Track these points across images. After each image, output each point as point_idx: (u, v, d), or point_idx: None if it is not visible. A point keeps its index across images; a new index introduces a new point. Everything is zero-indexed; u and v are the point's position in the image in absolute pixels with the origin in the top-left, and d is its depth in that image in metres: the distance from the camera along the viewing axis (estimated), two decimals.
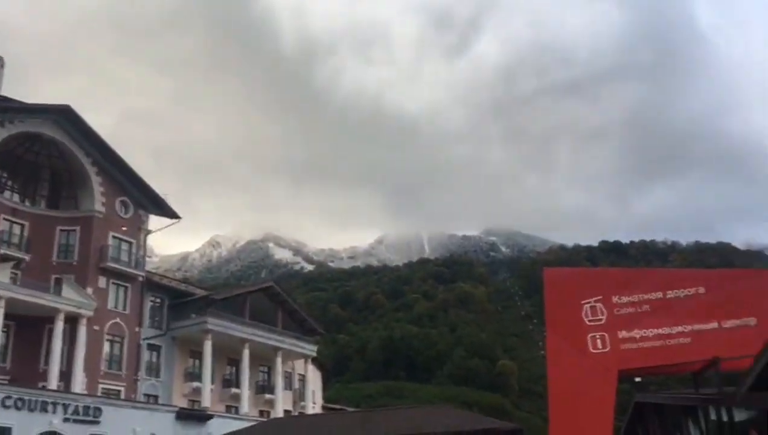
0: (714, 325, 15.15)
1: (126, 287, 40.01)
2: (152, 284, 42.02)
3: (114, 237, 40.24)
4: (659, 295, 15.77)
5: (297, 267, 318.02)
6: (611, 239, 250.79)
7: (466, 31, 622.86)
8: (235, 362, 45.18)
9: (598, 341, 15.77)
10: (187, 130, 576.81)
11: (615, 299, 15.97)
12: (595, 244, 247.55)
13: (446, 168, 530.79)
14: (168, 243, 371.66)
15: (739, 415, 15.80)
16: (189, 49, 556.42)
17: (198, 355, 42.56)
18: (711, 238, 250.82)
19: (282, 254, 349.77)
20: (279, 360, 46.58)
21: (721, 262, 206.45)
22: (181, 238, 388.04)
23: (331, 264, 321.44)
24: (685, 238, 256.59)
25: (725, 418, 16.11)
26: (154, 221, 43.45)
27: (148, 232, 42.85)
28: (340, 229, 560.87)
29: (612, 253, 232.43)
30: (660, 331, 15.43)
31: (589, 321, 15.94)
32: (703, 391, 16.75)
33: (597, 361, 15.58)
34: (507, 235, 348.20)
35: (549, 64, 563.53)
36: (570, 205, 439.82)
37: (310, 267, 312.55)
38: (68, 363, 35.83)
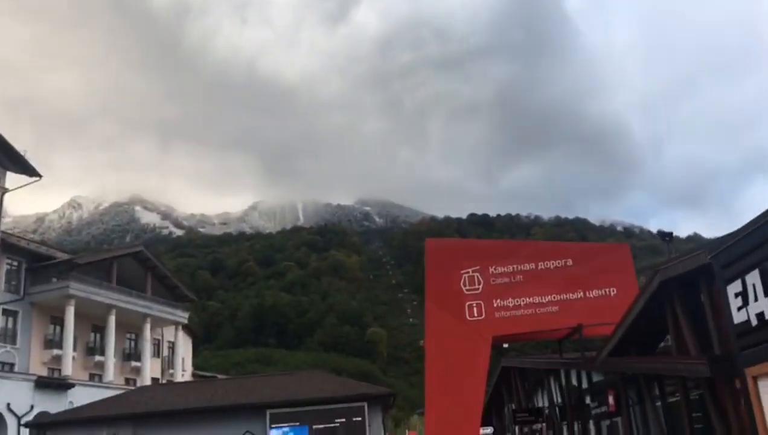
0: (579, 294, 16.33)
1: None
2: (8, 246, 39.04)
3: None
4: (532, 265, 16.76)
5: (165, 232, 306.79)
6: (479, 212, 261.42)
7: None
8: (100, 329, 43.20)
9: (475, 309, 16.57)
10: (46, 82, 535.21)
11: (492, 269, 16.81)
12: (464, 216, 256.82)
13: (322, 136, 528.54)
14: (22, 202, 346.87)
15: (597, 377, 17.17)
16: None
17: (59, 321, 40.28)
18: (569, 214, 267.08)
19: (149, 218, 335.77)
20: (147, 327, 45.04)
21: (577, 236, 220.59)
22: (37, 198, 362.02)
23: (201, 230, 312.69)
24: (546, 213, 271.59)
25: (585, 380, 17.45)
26: (11, 179, 40.22)
27: (5, 190, 39.63)
28: (212, 194, 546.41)
29: (480, 225, 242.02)
30: (531, 299, 16.44)
31: (467, 290, 16.68)
32: (567, 356, 18.01)
33: (473, 329, 16.36)
34: (381, 205, 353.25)
35: (425, 38, 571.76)
36: (441, 178, 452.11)
37: (179, 232, 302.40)
38: None
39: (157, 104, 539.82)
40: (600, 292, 16.22)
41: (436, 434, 16.09)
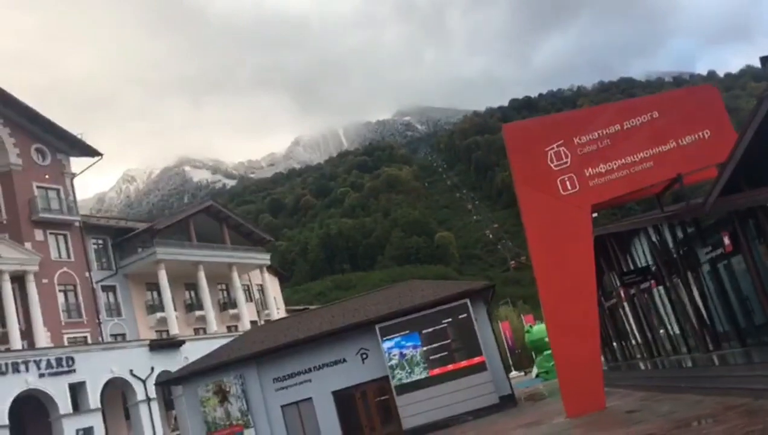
0: (672, 144, 15.99)
1: (65, 235, 38.57)
2: (91, 227, 40.64)
3: (39, 187, 38.29)
4: (617, 127, 16.42)
5: (219, 185, 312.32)
6: (519, 96, 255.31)
7: None
8: (193, 286, 45.00)
9: (568, 183, 16.43)
10: (66, 65, 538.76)
11: (576, 140, 16.55)
12: (506, 104, 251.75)
13: (345, 57, 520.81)
14: (79, 186, 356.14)
15: (706, 224, 17.02)
16: None
17: (154, 286, 42.10)
18: (612, 77, 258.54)
19: (200, 175, 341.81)
20: (235, 275, 46.62)
21: (625, 97, 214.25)
22: (90, 181, 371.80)
23: (252, 175, 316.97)
24: (588, 81, 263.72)
25: (692, 230, 17.33)
26: (76, 163, 41.46)
27: (73, 175, 40.90)
28: (254, 139, 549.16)
29: (523, 109, 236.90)
30: (623, 160, 16.19)
31: (555, 166, 16.52)
32: (668, 210, 17.83)
33: (569, 202, 16.29)
34: (420, 112, 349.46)
35: None
36: (471, 71, 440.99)
37: (231, 182, 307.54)
38: (26, 321, 34.88)
39: (177, 64, 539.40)
40: (693, 138, 15.81)
41: (553, 309, 16.36)
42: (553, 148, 16.57)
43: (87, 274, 39.05)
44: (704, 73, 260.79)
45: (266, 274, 50.58)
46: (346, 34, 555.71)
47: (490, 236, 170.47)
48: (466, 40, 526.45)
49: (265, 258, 49.76)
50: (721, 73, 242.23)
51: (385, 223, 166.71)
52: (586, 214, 16.25)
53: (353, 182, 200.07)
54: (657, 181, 16.22)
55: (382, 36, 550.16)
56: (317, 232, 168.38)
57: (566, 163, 16.42)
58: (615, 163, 16.20)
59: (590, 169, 16.28)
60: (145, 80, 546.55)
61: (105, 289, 40.13)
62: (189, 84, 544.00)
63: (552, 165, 16.50)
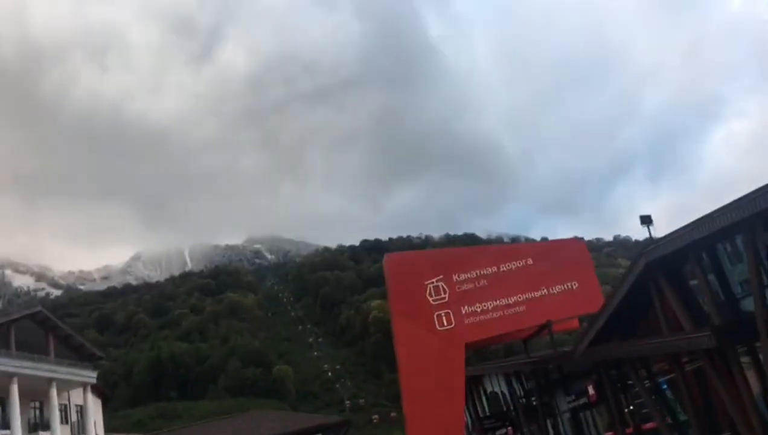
0: (544, 291, 16.68)
1: None
2: None
3: None
4: (494, 269, 16.95)
5: (42, 293, 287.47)
6: (370, 238, 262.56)
7: (209, 39, 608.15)
8: (1, 401, 39.57)
9: (444, 319, 16.54)
10: None
11: (455, 277, 16.86)
12: (356, 243, 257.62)
13: (200, 178, 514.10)
14: None
15: (569, 371, 17.48)
16: None
17: None
18: (458, 230, 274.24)
19: (22, 281, 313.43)
20: (54, 392, 41.66)
21: None
22: None
23: (81, 287, 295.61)
24: (435, 232, 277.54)
25: (555, 377, 17.71)
26: None
27: None
28: (89, 249, 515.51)
29: (373, 251, 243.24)
30: (498, 302, 16.61)
31: (434, 300, 16.64)
32: (534, 356, 18.25)
33: (445, 338, 16.29)
34: (271, 241, 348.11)
35: (295, 73, 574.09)
36: (326, 208, 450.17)
37: (57, 292, 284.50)
38: None
39: (15, 160, 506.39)
40: (563, 287, 16.62)
41: None
42: (432, 283, 16.74)
43: None
44: (538, 238, 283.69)
45: (89, 395, 45.69)
46: (202, 155, 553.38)
47: (329, 374, 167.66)
48: (323, 177, 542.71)
49: (91, 376, 45.15)
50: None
51: (222, 351, 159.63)
52: (460, 351, 16.27)
53: (194, 305, 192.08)
54: (528, 325, 16.72)
55: (240, 162, 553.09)
56: (146, 354, 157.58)
57: (444, 298, 16.60)
58: (490, 304, 16.57)
59: (466, 307, 16.53)
60: None
61: None
62: (25, 182, 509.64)
63: (431, 299, 16.61)
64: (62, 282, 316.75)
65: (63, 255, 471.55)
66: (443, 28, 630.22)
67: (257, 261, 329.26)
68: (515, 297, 16.64)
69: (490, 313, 16.48)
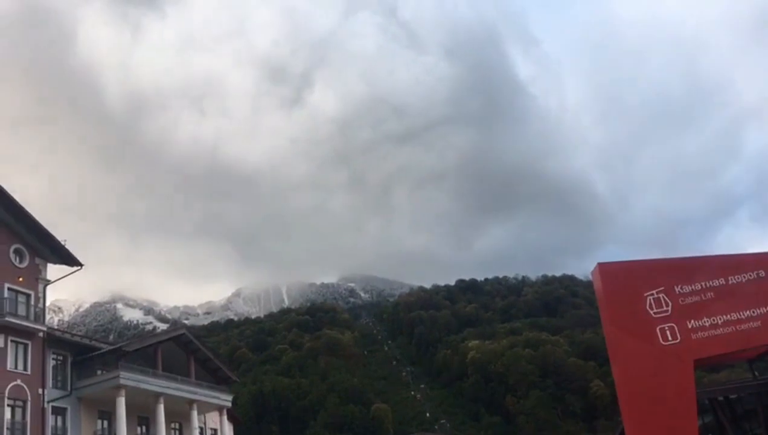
0: None
1: (26, 345, 34.89)
2: (54, 339, 37.03)
3: (10, 289, 35.13)
4: (722, 281, 15.93)
5: (149, 327, 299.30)
6: (463, 278, 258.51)
7: (300, 84, 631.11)
8: (146, 420, 40.82)
9: (668, 332, 15.57)
10: (8, 186, 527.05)
11: (677, 289, 15.94)
12: (452, 283, 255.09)
13: (292, 217, 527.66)
14: None
15: None
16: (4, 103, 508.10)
17: (107, 415, 38.04)
18: (553, 271, 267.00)
19: (132, 315, 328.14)
20: (194, 414, 42.64)
21: (567, 293, 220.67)
22: None
23: (186, 321, 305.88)
24: (528, 272, 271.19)
25: None
26: (52, 270, 38.61)
27: (47, 282, 37.93)
28: (191, 285, 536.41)
29: (468, 290, 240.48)
30: (728, 317, 15.53)
31: (655, 313, 15.73)
32: (763, 377, 16.96)
33: (669, 353, 15.32)
34: (364, 280, 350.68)
35: (384, 115, 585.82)
36: (413, 246, 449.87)
37: (163, 326, 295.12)
38: None
39: (123, 200, 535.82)
40: None
41: None
42: (652, 295, 15.90)
43: (40, 391, 34.96)
44: None
45: (224, 418, 46.49)
46: (294, 195, 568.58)
47: (427, 415, 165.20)
48: (410, 217, 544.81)
49: (227, 399, 46.00)
50: None
51: (322, 387, 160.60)
52: (688, 367, 15.26)
53: (293, 341, 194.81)
54: (764, 342, 15.50)
55: (329, 202, 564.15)
56: (249, 388, 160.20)
57: (667, 311, 15.69)
58: (720, 318, 15.54)
59: (693, 321, 15.54)
60: (87, 211, 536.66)
61: (56, 410, 35.84)
62: (132, 221, 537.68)
63: (651, 311, 15.71)
64: (168, 316, 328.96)
65: (168, 290, 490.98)
66: (532, 68, 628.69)
67: (351, 299, 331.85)
68: (748, 311, 15.50)
69: (721, 328, 15.41)
